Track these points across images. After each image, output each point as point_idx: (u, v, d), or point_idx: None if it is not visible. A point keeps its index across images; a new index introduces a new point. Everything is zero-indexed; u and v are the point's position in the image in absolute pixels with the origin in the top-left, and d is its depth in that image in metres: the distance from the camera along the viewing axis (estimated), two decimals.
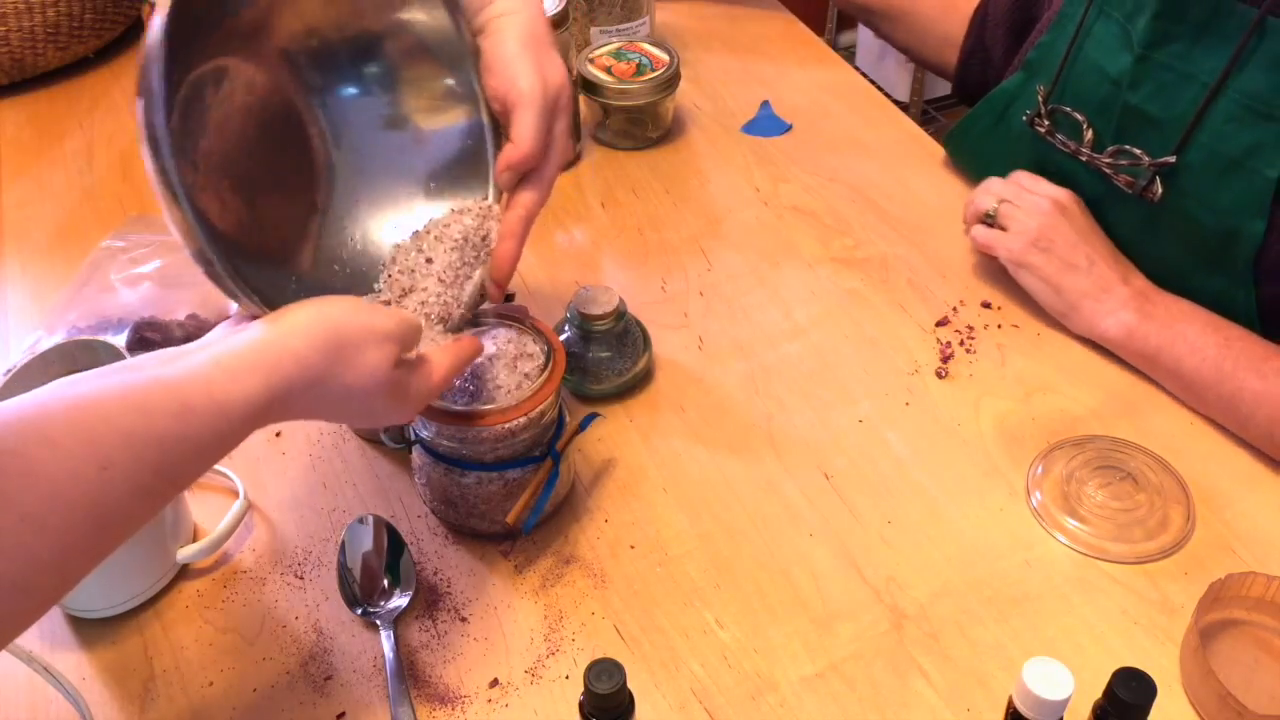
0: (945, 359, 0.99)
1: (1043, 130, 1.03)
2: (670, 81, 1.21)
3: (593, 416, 0.90)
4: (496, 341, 0.84)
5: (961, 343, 1.00)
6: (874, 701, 0.77)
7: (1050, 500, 0.87)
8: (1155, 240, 0.97)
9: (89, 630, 0.82)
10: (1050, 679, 0.63)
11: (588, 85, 1.21)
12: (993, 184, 1.04)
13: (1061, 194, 1.00)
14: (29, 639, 0.81)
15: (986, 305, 1.04)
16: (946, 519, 0.87)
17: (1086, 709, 0.67)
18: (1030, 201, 1.00)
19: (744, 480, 0.90)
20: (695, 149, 1.25)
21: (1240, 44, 0.86)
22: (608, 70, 1.21)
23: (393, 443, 0.86)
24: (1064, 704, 0.63)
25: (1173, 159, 0.92)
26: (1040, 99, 1.03)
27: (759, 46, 1.38)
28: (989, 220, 1.02)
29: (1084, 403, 0.95)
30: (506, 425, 0.80)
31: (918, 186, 1.17)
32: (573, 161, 1.23)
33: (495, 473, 0.83)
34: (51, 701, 0.78)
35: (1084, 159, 1.00)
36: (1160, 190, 0.94)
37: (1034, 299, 1.00)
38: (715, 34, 1.42)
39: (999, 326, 1.02)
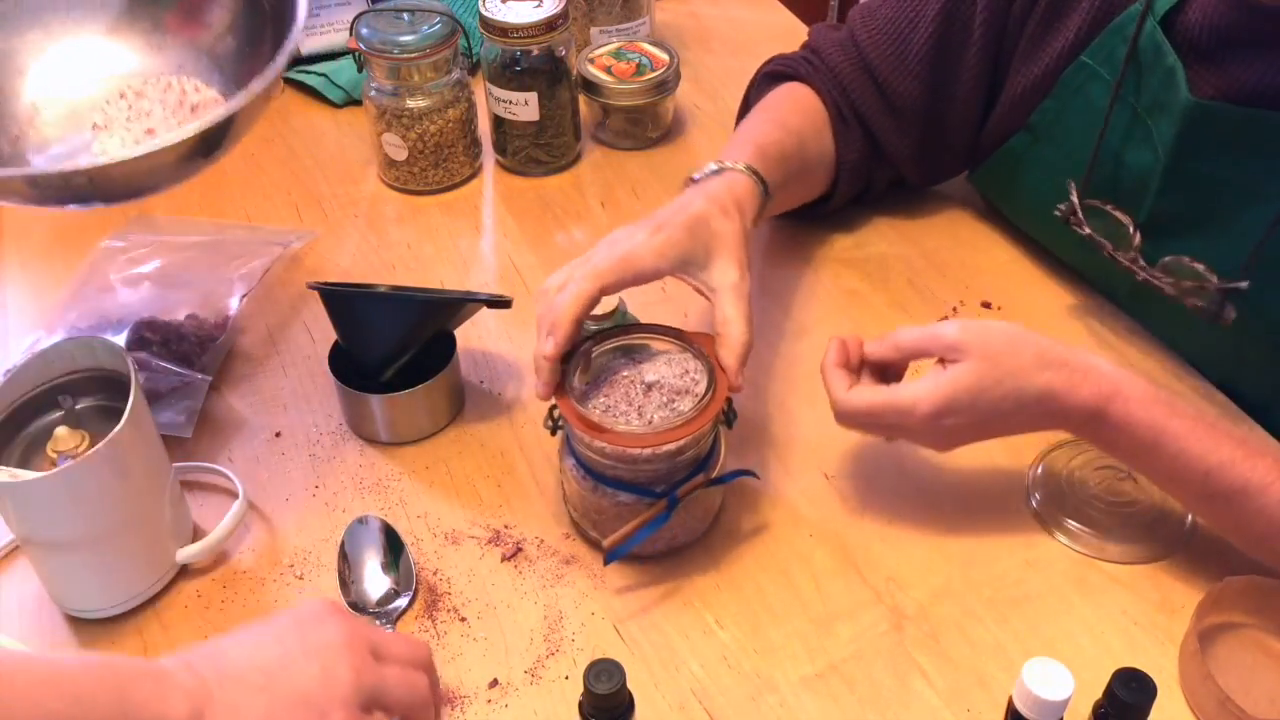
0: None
1: (1083, 235, 0.94)
2: (670, 81, 1.21)
3: (740, 474, 0.86)
4: (657, 368, 0.83)
5: None
6: (874, 702, 0.77)
7: (1050, 500, 0.87)
8: (1214, 354, 0.88)
9: (89, 630, 0.82)
10: (1050, 679, 0.63)
11: (588, 85, 1.21)
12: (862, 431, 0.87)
13: (919, 422, 0.80)
14: (29, 639, 0.81)
15: (986, 305, 1.04)
16: (946, 519, 0.87)
17: (1086, 709, 0.68)
18: (906, 431, 0.83)
19: (744, 480, 0.90)
20: (695, 149, 1.25)
21: None
22: (608, 70, 1.21)
23: (547, 427, 0.83)
24: (1064, 704, 0.63)
25: (1244, 284, 0.84)
26: (1074, 198, 0.94)
27: (759, 46, 1.38)
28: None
29: None
30: (629, 450, 0.78)
31: (918, 186, 1.17)
32: (573, 161, 1.23)
33: (610, 488, 0.81)
34: None
35: (1140, 277, 0.90)
36: (1233, 314, 0.86)
37: None
38: (715, 34, 1.42)
39: None
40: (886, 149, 1.07)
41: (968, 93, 1.03)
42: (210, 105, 0.90)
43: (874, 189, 1.11)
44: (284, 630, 0.66)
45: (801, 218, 1.11)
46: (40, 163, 0.85)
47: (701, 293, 0.85)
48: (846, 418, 0.83)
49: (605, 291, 0.81)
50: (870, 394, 0.81)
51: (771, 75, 1.09)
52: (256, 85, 0.80)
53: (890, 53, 1.02)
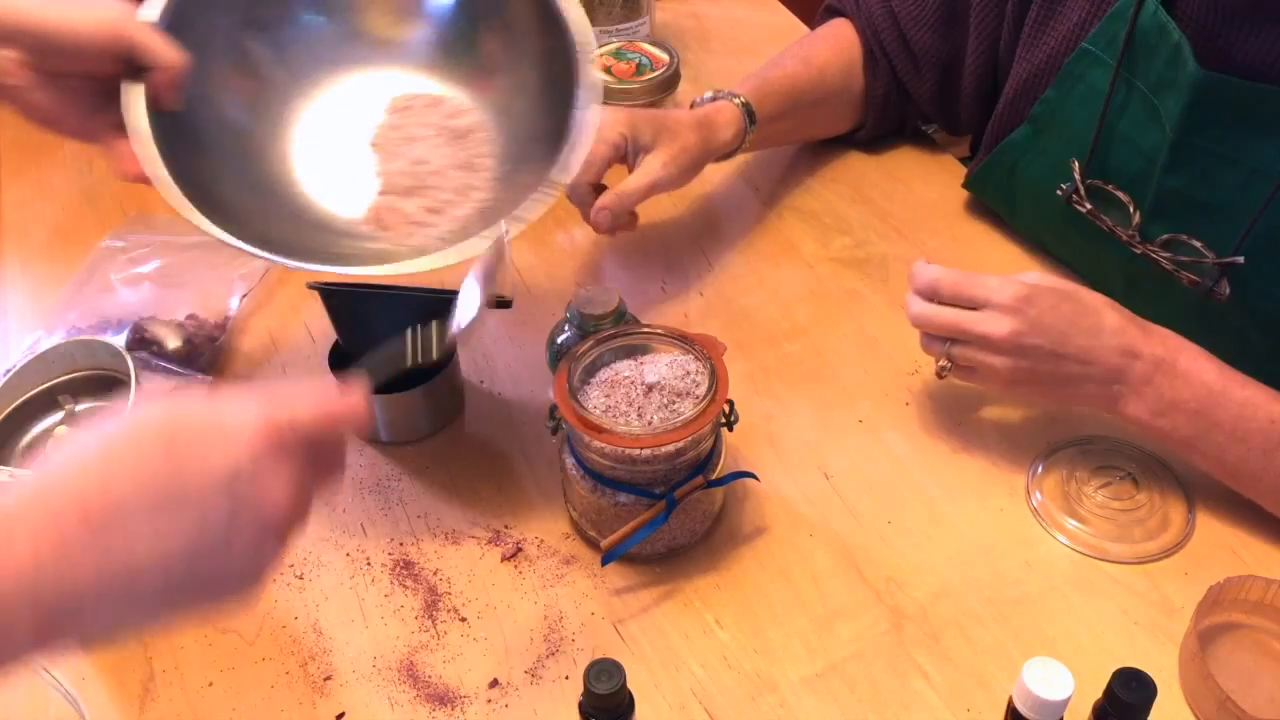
0: None
1: (1084, 211, 0.96)
2: (670, 81, 1.21)
3: (738, 475, 0.86)
4: (658, 369, 0.82)
5: None
6: (874, 701, 0.77)
7: (1050, 500, 0.87)
8: (1213, 338, 0.86)
9: None
10: (1050, 679, 0.63)
11: None
12: (929, 319, 0.85)
13: (1007, 299, 0.81)
14: None
15: None
16: (946, 519, 0.87)
17: (1086, 709, 0.67)
18: (979, 334, 0.83)
19: (744, 480, 0.90)
20: None
21: None
22: (608, 70, 1.21)
23: (548, 426, 0.83)
24: (1064, 704, 0.63)
25: (1240, 259, 0.86)
26: (1076, 176, 0.96)
27: (759, 46, 1.38)
28: (944, 371, 0.86)
29: None
30: (628, 451, 0.79)
31: (918, 186, 1.17)
32: None
33: (609, 489, 0.82)
34: (50, 702, 0.78)
35: (1138, 251, 0.93)
36: (1228, 290, 0.88)
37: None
38: (715, 34, 1.42)
39: None
40: (910, 89, 1.15)
41: (976, 50, 1.08)
42: (475, 131, 0.88)
43: (907, 127, 1.21)
44: (210, 520, 0.51)
45: (838, 143, 1.20)
46: (316, 182, 0.86)
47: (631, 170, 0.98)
48: (922, 288, 0.85)
49: (594, 181, 0.98)
50: (953, 271, 0.84)
51: (829, 9, 1.21)
52: (531, 211, 0.78)
53: (911, 2, 1.11)
